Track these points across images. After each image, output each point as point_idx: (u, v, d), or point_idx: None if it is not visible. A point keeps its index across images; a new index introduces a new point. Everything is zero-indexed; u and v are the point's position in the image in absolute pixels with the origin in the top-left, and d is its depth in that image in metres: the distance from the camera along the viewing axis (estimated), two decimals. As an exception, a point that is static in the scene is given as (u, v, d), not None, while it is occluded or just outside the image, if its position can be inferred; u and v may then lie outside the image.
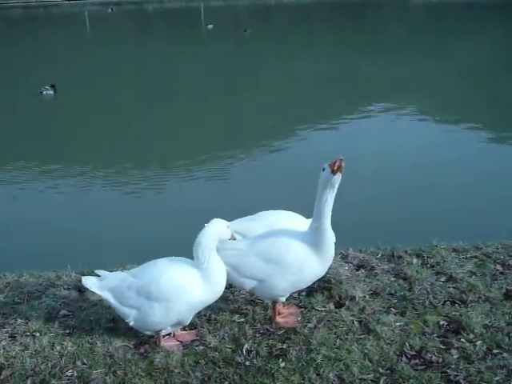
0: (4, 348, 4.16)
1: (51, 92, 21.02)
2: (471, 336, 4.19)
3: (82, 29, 54.66)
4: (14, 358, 4.05)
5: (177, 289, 3.92)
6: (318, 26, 51.45)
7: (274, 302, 4.43)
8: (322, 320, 4.46)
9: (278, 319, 4.47)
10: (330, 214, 4.02)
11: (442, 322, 4.39)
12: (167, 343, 4.20)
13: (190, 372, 3.89)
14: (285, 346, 4.16)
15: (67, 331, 4.39)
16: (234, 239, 4.19)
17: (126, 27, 53.97)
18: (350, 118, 16.78)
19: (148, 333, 4.17)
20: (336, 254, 5.61)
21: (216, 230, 4.02)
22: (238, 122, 16.91)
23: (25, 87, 22.42)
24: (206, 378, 3.85)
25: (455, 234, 6.15)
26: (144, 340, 4.25)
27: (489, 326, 4.30)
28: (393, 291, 4.91)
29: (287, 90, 21.17)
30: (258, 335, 4.33)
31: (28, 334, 4.35)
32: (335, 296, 4.81)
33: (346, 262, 5.51)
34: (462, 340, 4.16)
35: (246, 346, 4.15)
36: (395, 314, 4.56)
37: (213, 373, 3.89)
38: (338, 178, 3.83)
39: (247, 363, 3.98)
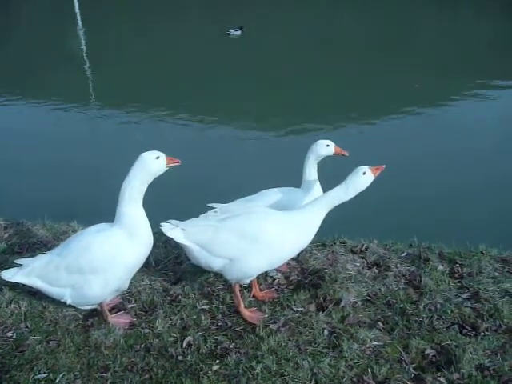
0: (-33, 298, 4.21)
1: (238, 33, 23.28)
2: (455, 376, 3.34)
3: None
4: (-30, 310, 4.08)
5: (108, 258, 3.64)
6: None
7: (236, 288, 3.93)
8: (288, 323, 3.87)
9: (244, 311, 3.98)
10: None
11: (428, 351, 3.56)
12: (115, 319, 3.94)
13: (118, 356, 3.60)
14: (231, 346, 3.68)
15: (34, 290, 4.32)
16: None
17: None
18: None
19: (88, 307, 3.94)
20: (354, 247, 4.93)
21: (146, 166, 3.54)
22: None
23: (214, 28, 24.18)
24: (129, 367, 3.53)
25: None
26: (96, 312, 4.04)
27: (485, 368, 3.39)
28: (393, 301, 4.11)
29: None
30: (212, 327, 3.89)
31: (-1, 287, 4.36)
32: (320, 297, 4.15)
33: (361, 258, 4.76)
34: (440, 379, 3.33)
35: (188, 338, 3.74)
36: (380, 330, 3.81)
37: (139, 362, 3.56)
38: None
39: (180, 358, 3.58)
